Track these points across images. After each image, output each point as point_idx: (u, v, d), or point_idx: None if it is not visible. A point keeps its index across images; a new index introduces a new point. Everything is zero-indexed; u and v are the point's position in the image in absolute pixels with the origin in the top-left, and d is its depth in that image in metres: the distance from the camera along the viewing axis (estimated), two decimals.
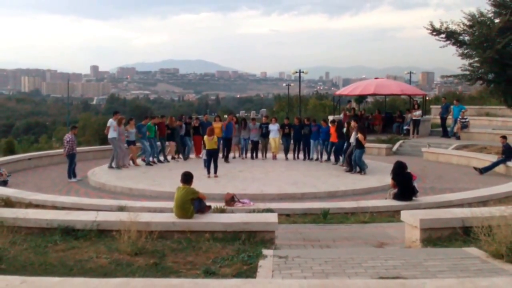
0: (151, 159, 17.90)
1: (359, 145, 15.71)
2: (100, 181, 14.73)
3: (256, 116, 64.76)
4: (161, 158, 18.65)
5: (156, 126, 18.33)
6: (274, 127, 19.85)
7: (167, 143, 19.16)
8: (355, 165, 16.02)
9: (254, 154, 20.10)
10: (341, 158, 17.98)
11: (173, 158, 19.30)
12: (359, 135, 15.58)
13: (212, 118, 23.52)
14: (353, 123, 16.38)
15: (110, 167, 16.64)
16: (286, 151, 20.11)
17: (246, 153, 20.25)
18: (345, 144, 17.52)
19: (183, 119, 20.03)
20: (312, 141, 19.51)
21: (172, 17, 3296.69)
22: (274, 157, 19.93)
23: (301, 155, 19.85)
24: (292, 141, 20.11)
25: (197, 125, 19.98)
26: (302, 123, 20.10)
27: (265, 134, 20.00)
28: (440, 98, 36.07)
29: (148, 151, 17.67)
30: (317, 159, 19.40)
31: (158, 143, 18.63)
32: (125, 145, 17.30)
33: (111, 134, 16.35)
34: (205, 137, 15.69)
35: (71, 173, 15.50)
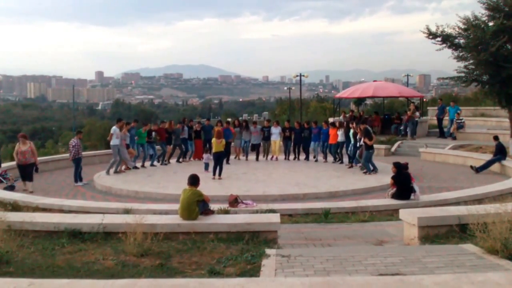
0: (137, 163, 18.15)
1: (366, 147, 16.09)
2: (106, 185, 14.88)
3: (258, 119, 64.98)
4: (155, 163, 18.79)
5: (154, 133, 18.50)
6: (276, 131, 20.25)
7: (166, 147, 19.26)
8: (366, 166, 16.27)
9: (256, 156, 20.42)
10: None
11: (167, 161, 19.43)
12: (364, 139, 16.01)
13: (214, 121, 23.77)
14: (362, 126, 16.70)
15: (108, 173, 16.61)
16: (286, 153, 20.45)
17: (247, 155, 20.56)
18: (350, 145, 17.84)
19: (185, 122, 20.19)
20: (312, 143, 19.85)
21: (176, 23, 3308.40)
22: (276, 158, 20.27)
23: (301, 156, 20.21)
24: (292, 144, 20.41)
25: (198, 129, 20.25)
26: (302, 126, 20.41)
27: (266, 137, 20.34)
28: (436, 100, 36.22)
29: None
30: (316, 160, 19.68)
31: (158, 147, 18.91)
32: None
33: (114, 141, 16.42)
34: (213, 139, 15.97)
35: (78, 177, 15.66)
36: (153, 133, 18.50)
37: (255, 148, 20.54)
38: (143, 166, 18.33)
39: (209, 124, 21.29)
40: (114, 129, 16.58)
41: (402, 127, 24.44)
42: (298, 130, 20.25)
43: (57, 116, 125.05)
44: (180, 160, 19.65)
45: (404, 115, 25.47)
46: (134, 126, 18.05)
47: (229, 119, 25.04)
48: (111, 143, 16.52)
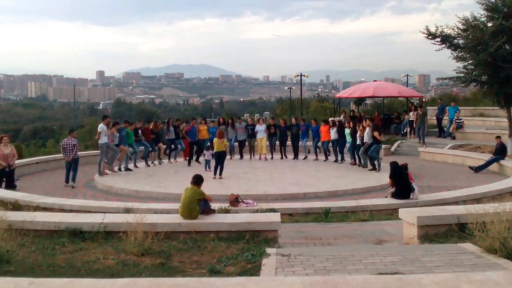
0: (130, 165, 17.89)
1: (376, 141, 16.29)
2: (107, 184, 14.89)
3: (258, 118, 65.12)
4: (149, 162, 18.66)
5: (140, 131, 18.28)
6: (261, 128, 20.23)
7: (156, 147, 19.07)
8: (371, 161, 16.51)
9: (240, 155, 20.46)
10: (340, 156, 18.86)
11: (163, 159, 19.37)
12: (375, 133, 16.19)
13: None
14: (367, 122, 16.87)
15: (100, 174, 16.29)
16: (272, 151, 20.40)
17: (233, 153, 20.51)
18: (348, 144, 18.07)
19: (169, 122, 19.96)
20: (302, 141, 19.96)
21: (178, 22, 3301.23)
22: (264, 158, 20.21)
23: (290, 155, 20.22)
24: (278, 141, 20.46)
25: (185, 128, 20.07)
26: (290, 123, 20.55)
27: (251, 135, 20.35)
28: (436, 100, 36.28)
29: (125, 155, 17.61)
30: (305, 158, 19.82)
31: (141, 147, 18.62)
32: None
33: (102, 139, 16.04)
34: (215, 139, 15.98)
35: (69, 178, 15.33)
36: (139, 131, 18.29)
37: (240, 145, 20.50)
38: (136, 166, 18.18)
39: (195, 124, 19.97)
40: (101, 126, 16.16)
41: (408, 128, 24.33)
42: (283, 127, 20.30)
43: (58, 116, 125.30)
44: (160, 160, 19.41)
45: (404, 115, 25.53)
46: (125, 127, 17.66)
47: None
48: (100, 141, 16.12)
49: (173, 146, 19.68)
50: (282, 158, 20.30)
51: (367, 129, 16.51)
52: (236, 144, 20.71)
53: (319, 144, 19.61)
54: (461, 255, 5.87)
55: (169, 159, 19.65)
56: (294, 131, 20.02)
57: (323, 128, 19.06)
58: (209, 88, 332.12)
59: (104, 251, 6.46)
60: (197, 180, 8.16)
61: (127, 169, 17.50)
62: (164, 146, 19.53)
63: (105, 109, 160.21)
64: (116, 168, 17.09)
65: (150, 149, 18.67)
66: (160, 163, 19.11)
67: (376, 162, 16.42)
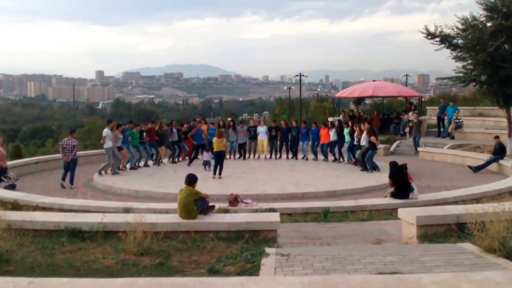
0: (128, 165, 17.79)
1: (372, 146, 16.26)
2: (107, 184, 14.90)
3: (258, 118, 65.13)
4: (148, 163, 18.59)
5: (145, 133, 18.29)
6: (262, 129, 20.36)
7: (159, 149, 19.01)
8: (369, 165, 16.46)
9: (242, 156, 20.52)
10: (344, 156, 18.87)
11: (171, 160, 19.39)
12: (372, 138, 16.15)
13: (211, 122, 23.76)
14: (365, 126, 16.86)
15: (100, 173, 16.28)
16: (271, 153, 20.47)
17: (234, 155, 20.57)
18: (348, 143, 18.13)
19: (173, 124, 20.04)
20: (301, 143, 20.09)
21: (177, 22, 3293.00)
22: (265, 158, 20.32)
23: (289, 155, 20.31)
24: (279, 143, 20.53)
25: (186, 129, 20.06)
26: (290, 125, 20.63)
27: (252, 137, 20.45)
28: (435, 100, 36.34)
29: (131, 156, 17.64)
30: (304, 158, 19.89)
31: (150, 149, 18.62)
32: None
33: (107, 143, 16.02)
34: (214, 139, 15.97)
35: (66, 179, 15.22)
36: (144, 134, 18.31)
37: (241, 147, 20.56)
38: (138, 166, 18.15)
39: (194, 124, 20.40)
40: (106, 131, 16.16)
41: (408, 128, 24.26)
42: (284, 129, 20.36)
43: (57, 116, 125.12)
44: (175, 160, 19.55)
45: (403, 115, 25.53)
46: (129, 128, 17.73)
47: (229, 119, 24.98)
48: (105, 146, 16.10)
49: (173, 148, 19.70)
50: (280, 157, 20.38)
51: (364, 133, 16.52)
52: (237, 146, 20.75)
53: (319, 148, 19.72)
54: (460, 255, 5.87)
55: (172, 159, 19.59)
56: (295, 133, 20.10)
57: (322, 131, 19.16)
58: (208, 88, 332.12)
59: (103, 250, 6.46)
60: (191, 180, 8.05)
61: (132, 168, 17.65)
62: (165, 148, 19.42)
63: (104, 109, 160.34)
64: (116, 169, 17.07)
65: (153, 152, 18.74)
66: (159, 165, 19.05)
67: (370, 167, 16.40)
